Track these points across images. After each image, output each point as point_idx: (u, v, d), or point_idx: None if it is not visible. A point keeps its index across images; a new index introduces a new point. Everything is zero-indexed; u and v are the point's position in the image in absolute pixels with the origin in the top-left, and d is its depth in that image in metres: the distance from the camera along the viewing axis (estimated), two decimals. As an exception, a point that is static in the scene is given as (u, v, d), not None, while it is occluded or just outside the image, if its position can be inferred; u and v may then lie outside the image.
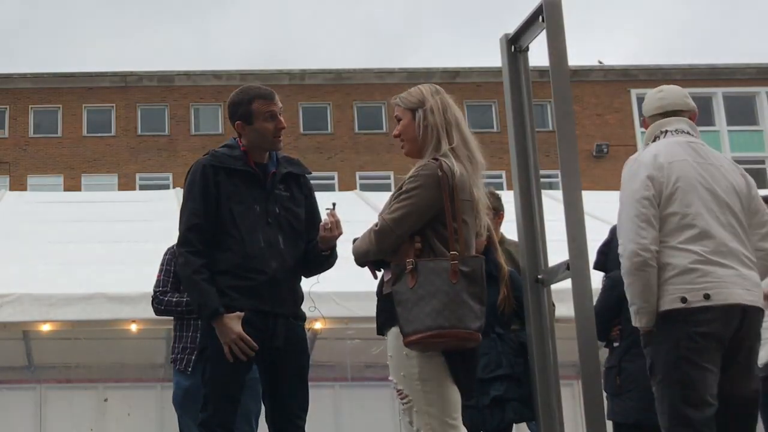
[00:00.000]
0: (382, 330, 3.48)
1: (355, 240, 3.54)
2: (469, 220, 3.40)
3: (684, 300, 3.71)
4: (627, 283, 3.79)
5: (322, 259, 3.96)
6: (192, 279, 3.78)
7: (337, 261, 4.05)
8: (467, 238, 3.38)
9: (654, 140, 4.01)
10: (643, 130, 4.25)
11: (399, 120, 3.57)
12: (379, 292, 3.51)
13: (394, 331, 3.38)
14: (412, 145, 3.52)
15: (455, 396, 3.37)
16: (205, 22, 68.80)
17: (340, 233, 3.84)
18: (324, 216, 3.91)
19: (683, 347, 3.70)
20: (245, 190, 3.87)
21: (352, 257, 3.54)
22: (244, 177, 3.89)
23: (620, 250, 3.81)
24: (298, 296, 3.95)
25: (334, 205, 3.87)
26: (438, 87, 3.56)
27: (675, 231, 3.77)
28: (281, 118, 3.94)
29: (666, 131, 4.00)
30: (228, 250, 3.81)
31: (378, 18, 69.82)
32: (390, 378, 3.45)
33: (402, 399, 3.40)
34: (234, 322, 3.70)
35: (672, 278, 3.73)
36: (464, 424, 4.57)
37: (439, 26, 70.49)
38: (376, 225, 3.40)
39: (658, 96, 4.12)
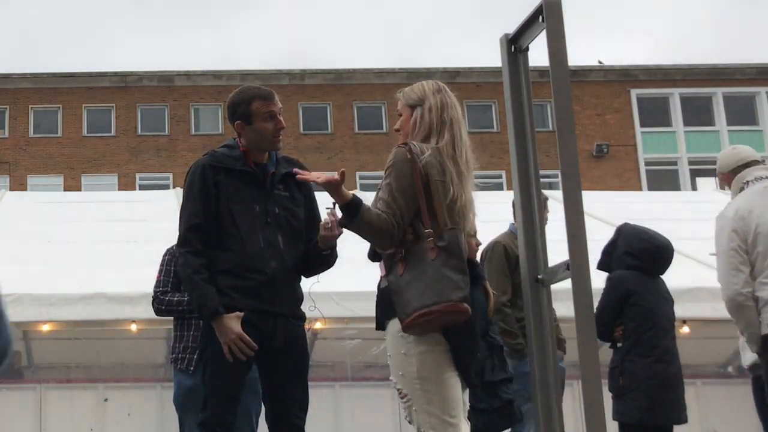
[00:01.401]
0: (381, 325, 3.51)
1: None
2: (446, 198, 3.39)
3: None
4: (734, 320, 4.59)
5: (322, 258, 3.95)
6: (192, 279, 3.77)
7: (337, 261, 4.05)
8: (445, 215, 3.38)
9: (740, 191, 4.68)
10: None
11: (401, 115, 3.60)
12: (378, 287, 3.54)
13: (391, 329, 3.40)
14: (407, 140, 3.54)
15: (455, 394, 3.38)
16: (205, 23, 68.86)
17: (340, 232, 3.83)
18: (324, 215, 3.91)
19: None
20: (245, 190, 3.87)
21: (354, 255, 3.53)
22: (243, 177, 3.89)
23: (722, 295, 4.61)
24: (298, 296, 3.94)
25: (334, 204, 3.86)
26: (441, 85, 3.58)
27: (762, 269, 4.45)
28: (281, 118, 3.94)
29: (747, 182, 4.64)
30: (228, 250, 3.81)
31: (378, 18, 69.87)
32: (390, 378, 3.46)
33: (402, 398, 3.40)
34: (233, 322, 3.70)
35: (762, 308, 4.44)
36: (478, 427, 4.59)
37: (440, 26, 70.51)
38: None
39: (733, 152, 4.79)
